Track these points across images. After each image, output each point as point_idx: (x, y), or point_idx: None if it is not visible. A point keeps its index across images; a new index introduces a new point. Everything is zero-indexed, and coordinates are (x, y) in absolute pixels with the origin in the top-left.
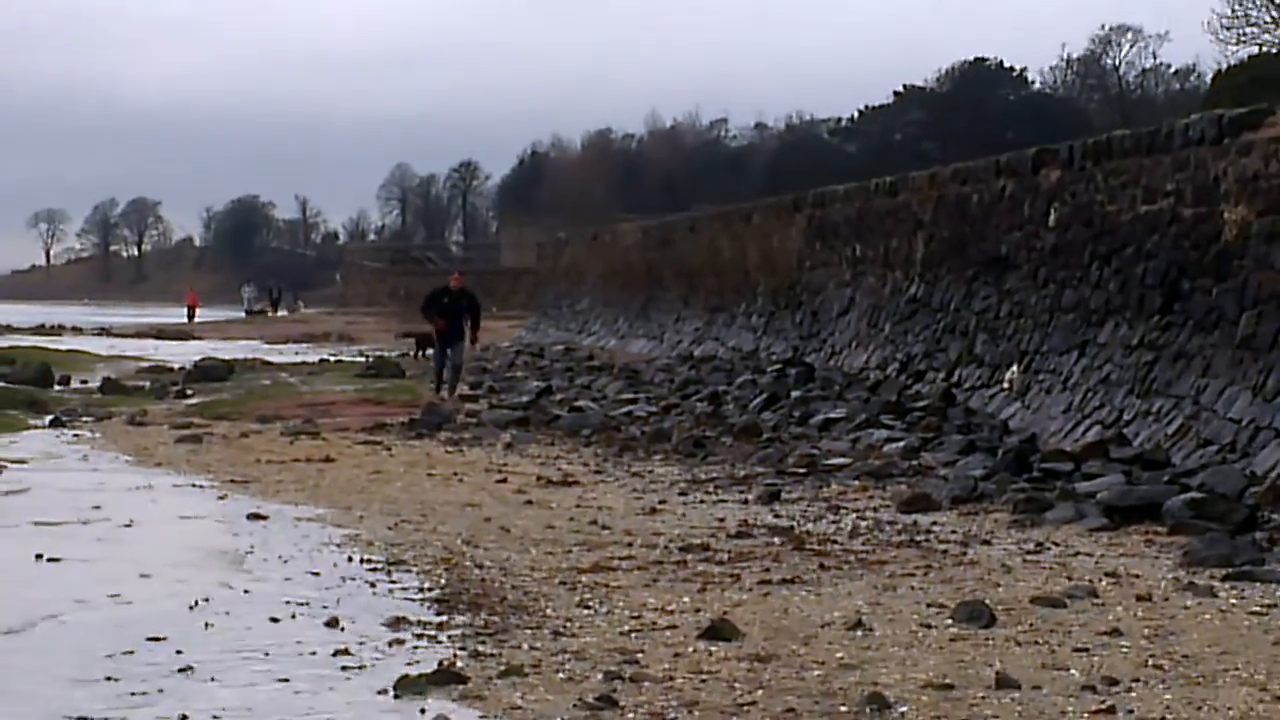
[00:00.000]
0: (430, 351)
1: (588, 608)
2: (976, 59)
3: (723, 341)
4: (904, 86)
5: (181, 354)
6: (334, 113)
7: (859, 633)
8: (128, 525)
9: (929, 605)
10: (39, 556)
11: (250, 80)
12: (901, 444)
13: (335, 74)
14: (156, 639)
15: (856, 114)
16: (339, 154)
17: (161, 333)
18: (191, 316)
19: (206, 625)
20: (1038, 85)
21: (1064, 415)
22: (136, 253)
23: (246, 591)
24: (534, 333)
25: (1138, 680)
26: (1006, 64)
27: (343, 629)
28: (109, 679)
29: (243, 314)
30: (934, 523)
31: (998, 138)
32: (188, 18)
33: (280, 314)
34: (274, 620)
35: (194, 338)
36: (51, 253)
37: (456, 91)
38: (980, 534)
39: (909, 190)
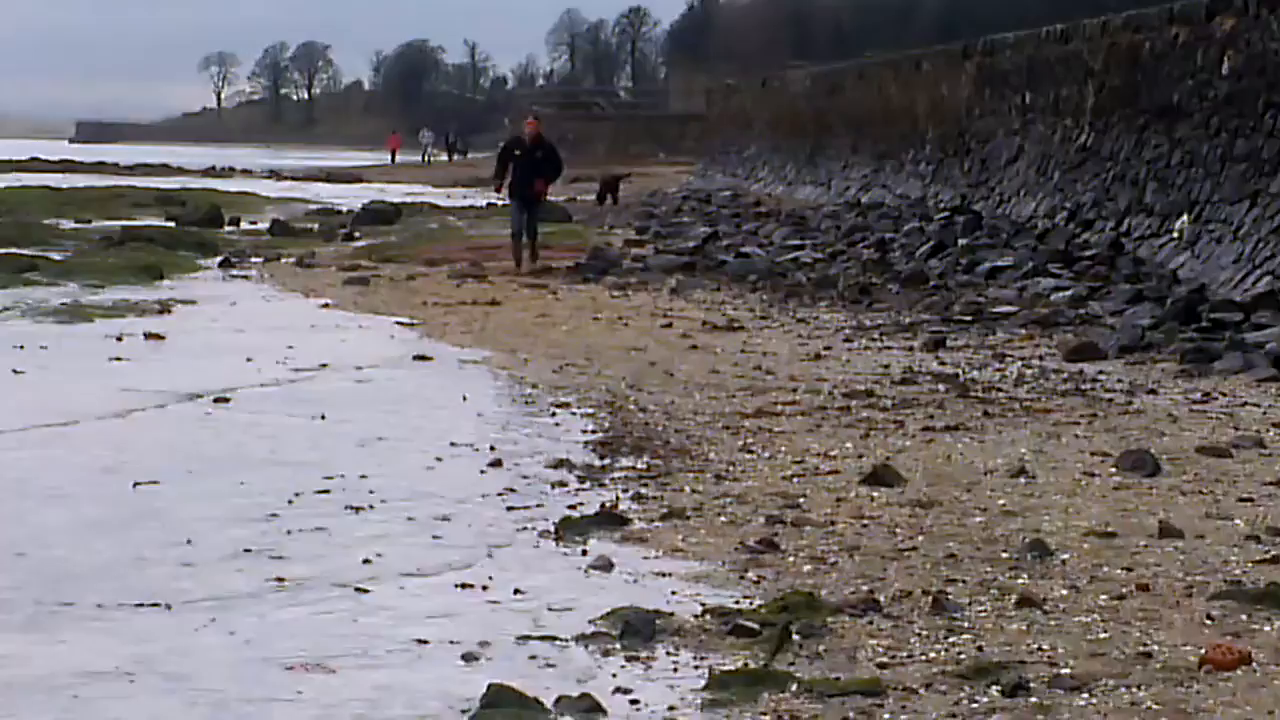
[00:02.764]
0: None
1: (750, 452)
2: None
3: (890, 189)
4: None
5: (350, 197)
6: None
7: (1022, 480)
8: (295, 366)
9: (1093, 454)
10: (198, 396)
11: None
12: (1069, 293)
13: None
14: (329, 477)
15: None
16: None
17: (331, 176)
18: (394, 159)
19: (375, 464)
20: None
21: (1234, 265)
22: (306, 96)
23: (413, 431)
24: (701, 178)
25: None
26: None
27: (506, 470)
28: (272, 515)
29: (419, 159)
30: (1100, 371)
31: None
32: None
33: (457, 159)
34: (439, 460)
35: (362, 181)
36: (222, 95)
37: None
38: (1146, 383)
39: (1080, 38)
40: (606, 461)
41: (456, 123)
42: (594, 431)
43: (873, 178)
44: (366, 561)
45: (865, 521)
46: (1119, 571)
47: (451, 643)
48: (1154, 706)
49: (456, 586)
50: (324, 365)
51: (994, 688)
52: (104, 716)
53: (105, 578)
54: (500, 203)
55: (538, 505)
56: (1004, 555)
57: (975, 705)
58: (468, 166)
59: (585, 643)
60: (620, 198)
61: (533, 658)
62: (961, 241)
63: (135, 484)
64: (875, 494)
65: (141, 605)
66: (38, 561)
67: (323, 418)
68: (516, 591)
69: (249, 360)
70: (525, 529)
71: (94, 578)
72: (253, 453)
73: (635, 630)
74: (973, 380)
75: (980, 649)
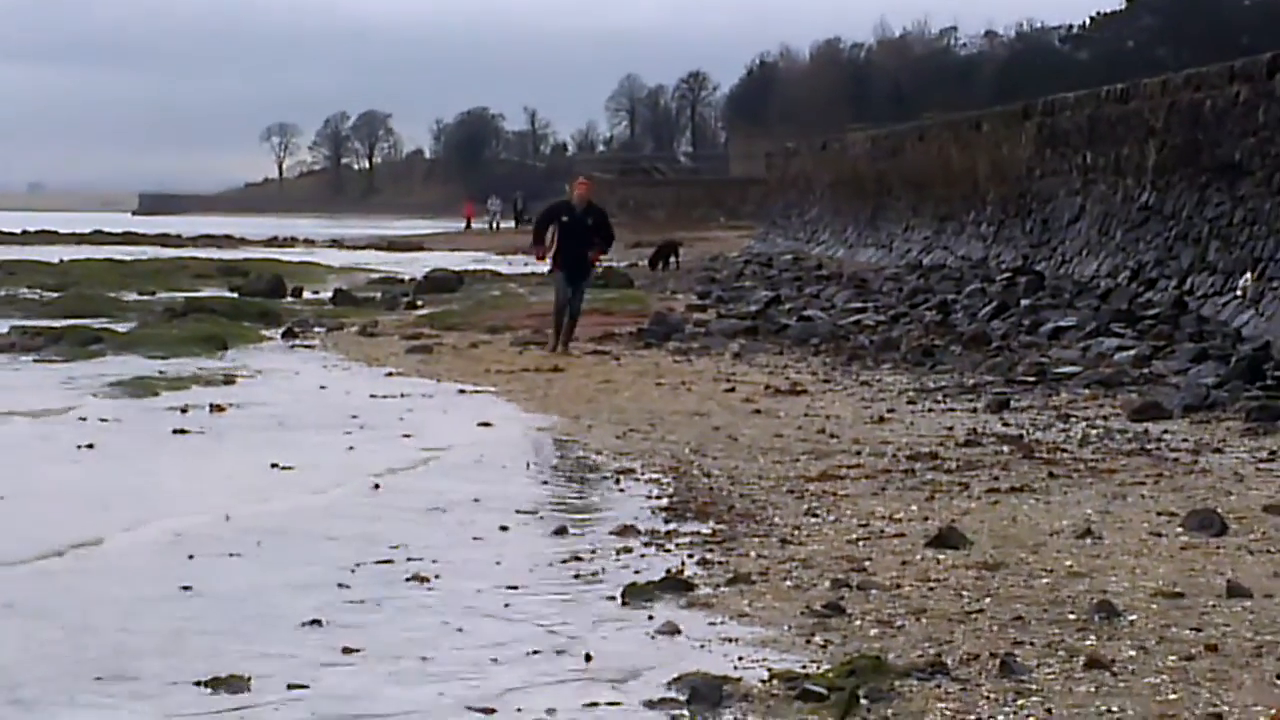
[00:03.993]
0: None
1: (815, 516)
2: None
3: (952, 250)
4: None
5: (412, 265)
6: (563, 24)
7: (1088, 541)
8: (353, 431)
9: (1159, 513)
10: (273, 465)
11: None
12: (1132, 352)
13: None
14: (394, 546)
15: (1088, 21)
16: (567, 65)
17: (392, 244)
18: (469, 225)
19: (440, 534)
20: None
21: None
22: (367, 165)
23: (476, 500)
24: (762, 242)
25: None
26: None
27: (571, 537)
28: (341, 585)
29: (488, 226)
30: (1165, 431)
31: (1233, 43)
32: None
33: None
34: (504, 528)
35: (423, 249)
36: (284, 166)
37: (684, 1)
38: (1212, 442)
39: (1141, 97)
40: (671, 527)
41: (524, 190)
42: (658, 497)
43: (934, 239)
44: (455, 632)
45: (931, 584)
46: (1187, 632)
47: (518, 710)
48: None
49: (528, 654)
50: (387, 434)
51: None
52: None
53: (171, 653)
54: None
55: (604, 571)
56: (1071, 617)
57: None
58: (529, 233)
59: (653, 709)
60: (681, 263)
61: None
62: (1024, 302)
63: (190, 555)
64: (941, 556)
65: (200, 683)
66: (105, 636)
67: (375, 487)
68: (588, 657)
69: (312, 429)
70: (592, 596)
71: (160, 652)
72: (312, 523)
73: (703, 696)
74: (1037, 441)
75: (1049, 711)
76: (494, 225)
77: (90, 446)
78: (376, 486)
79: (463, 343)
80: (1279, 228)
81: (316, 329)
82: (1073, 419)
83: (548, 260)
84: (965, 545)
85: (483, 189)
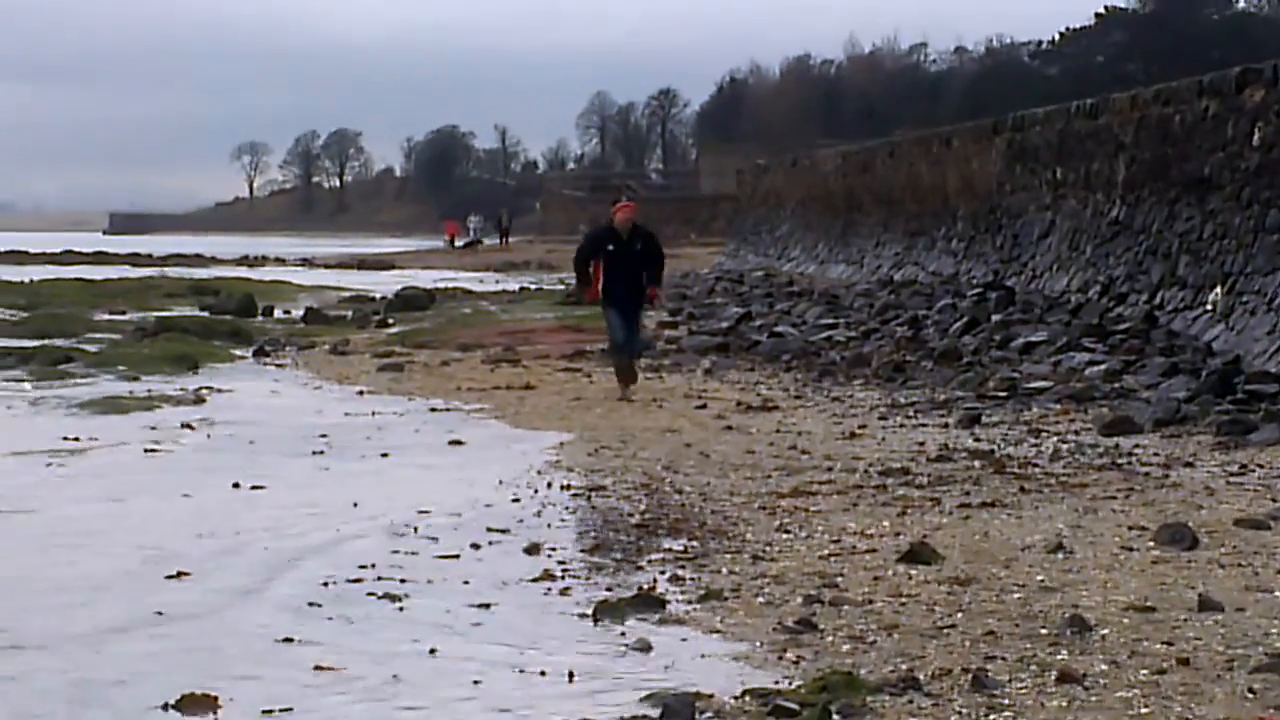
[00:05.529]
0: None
1: (787, 532)
2: None
3: (922, 266)
4: (1106, 8)
5: (383, 284)
6: (533, 42)
7: (1059, 555)
8: (325, 451)
9: (1130, 528)
10: (236, 485)
11: (450, 11)
12: (1103, 367)
13: (535, 3)
14: (363, 566)
15: (1057, 36)
16: (538, 83)
17: (363, 263)
18: (453, 244)
19: (410, 553)
20: (1242, 5)
21: (1268, 336)
22: (338, 184)
23: (447, 517)
24: (733, 259)
25: None
26: None
27: (543, 555)
28: (312, 604)
29: (471, 244)
30: (1136, 445)
31: (1202, 58)
32: None
33: (489, 243)
34: (475, 546)
35: (394, 267)
36: (254, 184)
37: (654, 19)
38: (1183, 456)
39: (1110, 112)
40: (643, 544)
41: (477, 209)
42: (630, 514)
43: (905, 255)
44: (425, 649)
45: (903, 600)
46: (1159, 646)
47: None
48: None
49: (515, 671)
50: (358, 452)
51: None
52: None
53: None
54: (533, 286)
55: (576, 589)
56: (1043, 631)
57: None
58: (500, 251)
59: None
60: None
61: None
62: (995, 317)
63: (166, 576)
64: (913, 572)
65: (167, 706)
66: (72, 658)
67: (355, 505)
68: (571, 676)
69: (283, 448)
70: (563, 613)
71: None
72: (285, 540)
73: (675, 712)
74: (1008, 456)
75: None
76: (477, 243)
77: (61, 465)
78: (355, 505)
79: (434, 361)
80: (1248, 242)
81: (287, 348)
82: (1044, 434)
83: (600, 295)
84: (937, 561)
85: (454, 207)
